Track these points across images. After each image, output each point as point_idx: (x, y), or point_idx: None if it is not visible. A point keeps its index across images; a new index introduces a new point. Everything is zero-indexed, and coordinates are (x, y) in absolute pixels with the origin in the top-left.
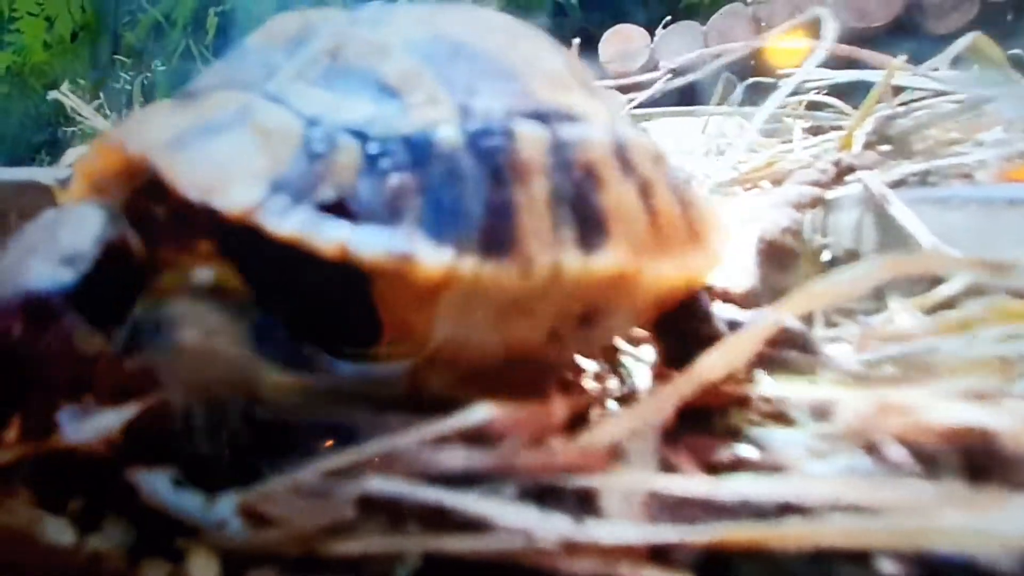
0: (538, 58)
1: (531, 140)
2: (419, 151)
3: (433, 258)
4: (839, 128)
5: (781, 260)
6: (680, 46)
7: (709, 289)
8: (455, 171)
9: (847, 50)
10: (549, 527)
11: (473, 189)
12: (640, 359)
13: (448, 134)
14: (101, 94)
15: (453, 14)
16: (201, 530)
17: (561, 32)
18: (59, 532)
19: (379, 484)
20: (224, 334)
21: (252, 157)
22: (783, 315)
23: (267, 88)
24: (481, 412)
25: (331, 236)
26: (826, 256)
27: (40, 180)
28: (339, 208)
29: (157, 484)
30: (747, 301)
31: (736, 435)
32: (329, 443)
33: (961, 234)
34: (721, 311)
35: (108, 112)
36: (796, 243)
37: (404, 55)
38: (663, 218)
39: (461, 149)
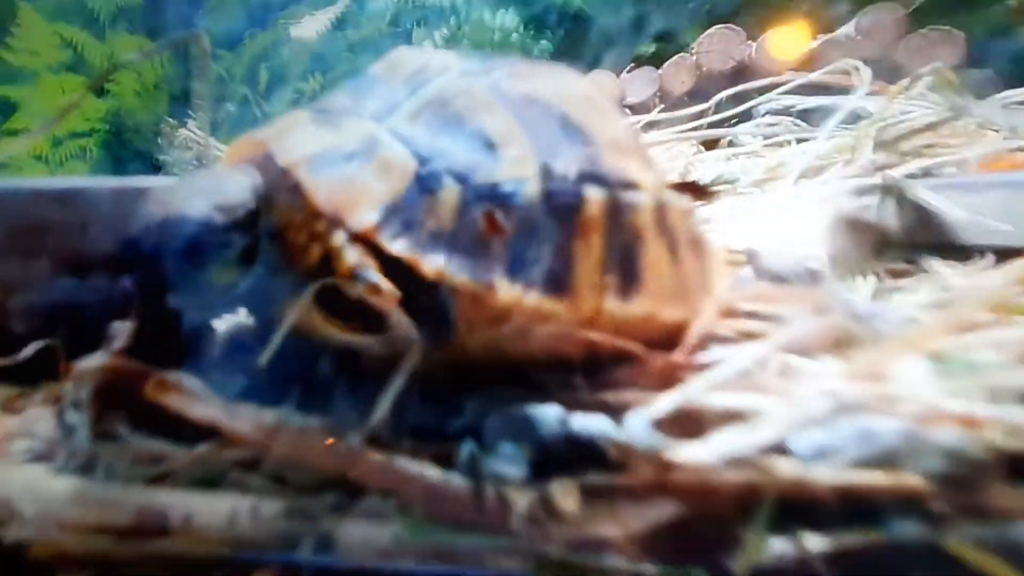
0: (607, 125)
1: (595, 202)
2: (507, 200)
3: (506, 290)
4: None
5: (860, 235)
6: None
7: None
8: (532, 220)
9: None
10: None
11: (544, 237)
12: None
13: (531, 189)
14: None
15: (546, 77)
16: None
17: None
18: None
19: None
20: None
21: (374, 185)
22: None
23: (390, 122)
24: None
25: (432, 262)
26: None
27: None
28: (439, 237)
29: (553, 415)
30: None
31: None
32: None
33: (988, 212)
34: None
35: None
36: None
37: (503, 113)
38: (682, 267)
39: (539, 203)
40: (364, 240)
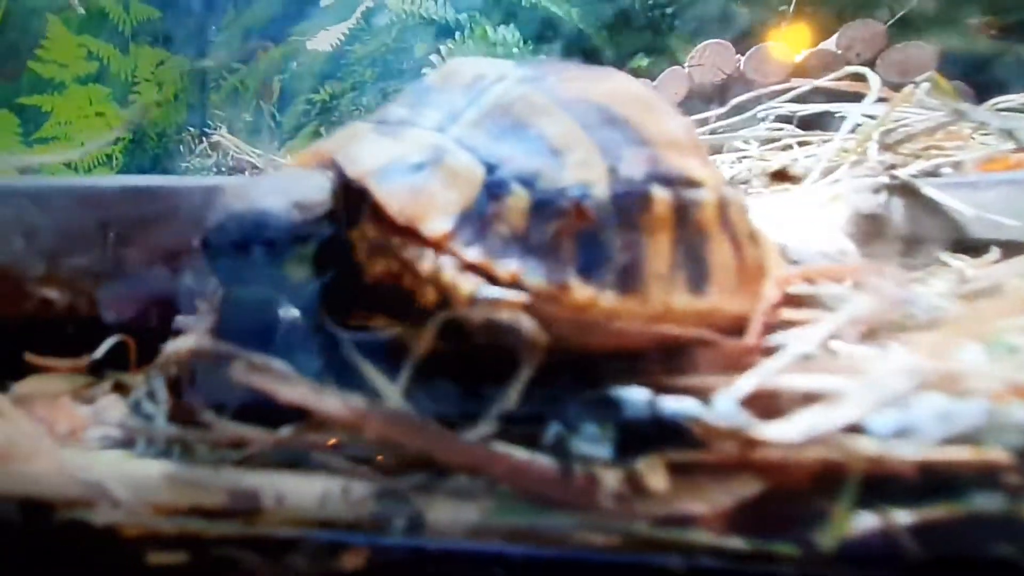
0: (666, 125)
1: (660, 202)
2: (575, 203)
3: (581, 290)
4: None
5: (876, 228)
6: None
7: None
8: (601, 222)
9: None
10: None
11: (614, 238)
12: None
13: (599, 192)
14: (204, 139)
15: (600, 80)
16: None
17: None
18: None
19: None
20: None
21: (445, 193)
22: None
23: (453, 131)
24: None
25: (506, 266)
26: None
27: None
28: (511, 242)
29: (640, 397)
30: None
31: None
32: None
33: (994, 209)
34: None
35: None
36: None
37: (564, 117)
38: (744, 260)
39: (607, 205)
40: (437, 247)
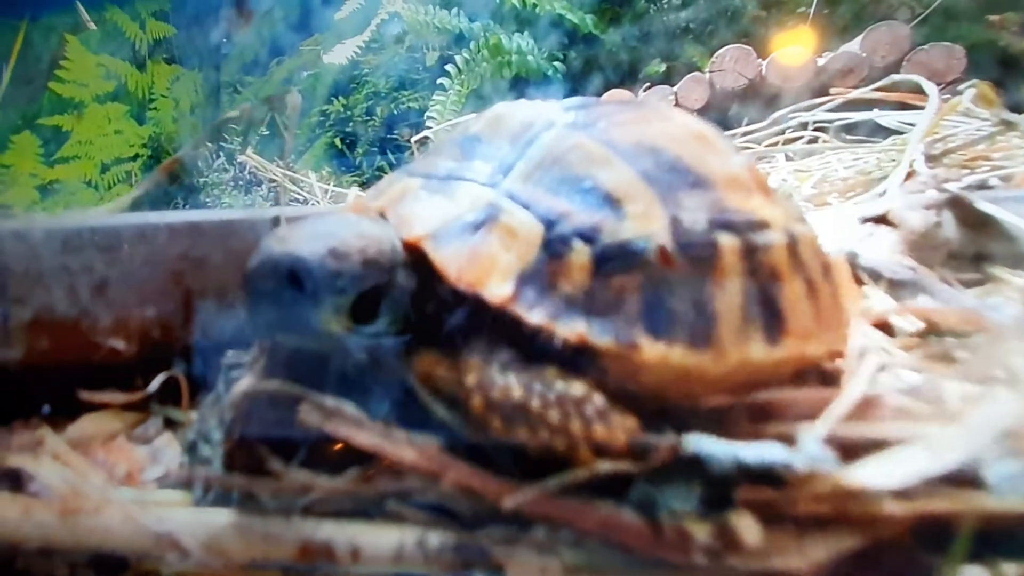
0: (727, 164)
1: (728, 250)
2: (639, 257)
3: (651, 348)
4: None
5: (932, 246)
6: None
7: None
8: (667, 275)
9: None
10: None
11: (681, 291)
12: None
13: (663, 244)
14: (220, 153)
15: (654, 120)
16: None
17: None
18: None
19: None
20: None
21: (503, 255)
22: None
23: (505, 186)
24: None
25: (571, 327)
26: None
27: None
28: (575, 301)
29: (720, 447)
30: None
31: None
32: None
33: None
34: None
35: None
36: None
37: (621, 165)
38: (821, 301)
39: (672, 257)
40: (500, 311)
